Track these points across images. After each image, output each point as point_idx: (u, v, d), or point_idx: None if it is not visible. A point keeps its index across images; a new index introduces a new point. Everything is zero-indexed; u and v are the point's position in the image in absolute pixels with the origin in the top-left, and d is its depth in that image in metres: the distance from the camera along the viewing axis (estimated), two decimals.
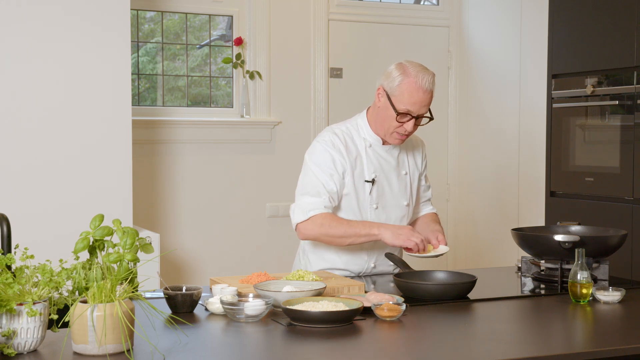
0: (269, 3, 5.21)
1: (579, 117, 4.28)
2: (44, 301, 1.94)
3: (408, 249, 2.89)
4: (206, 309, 2.40)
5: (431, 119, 2.99)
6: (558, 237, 2.75)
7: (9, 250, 2.61)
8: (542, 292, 2.76)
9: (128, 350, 1.93)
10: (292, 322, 2.24)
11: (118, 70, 4.16)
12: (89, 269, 2.00)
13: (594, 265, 2.85)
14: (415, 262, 3.29)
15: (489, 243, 5.51)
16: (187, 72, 5.22)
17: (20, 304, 1.91)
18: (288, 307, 2.24)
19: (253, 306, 2.26)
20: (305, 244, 3.14)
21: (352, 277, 2.99)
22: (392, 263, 3.04)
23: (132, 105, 4.73)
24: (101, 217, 2.05)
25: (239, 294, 2.46)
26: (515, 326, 2.41)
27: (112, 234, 2.03)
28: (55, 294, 2.01)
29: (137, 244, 2.04)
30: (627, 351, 2.07)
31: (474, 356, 2.03)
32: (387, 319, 2.29)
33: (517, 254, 3.94)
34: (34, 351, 1.94)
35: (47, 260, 2.03)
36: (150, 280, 2.46)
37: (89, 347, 1.90)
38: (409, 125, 2.93)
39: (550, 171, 4.44)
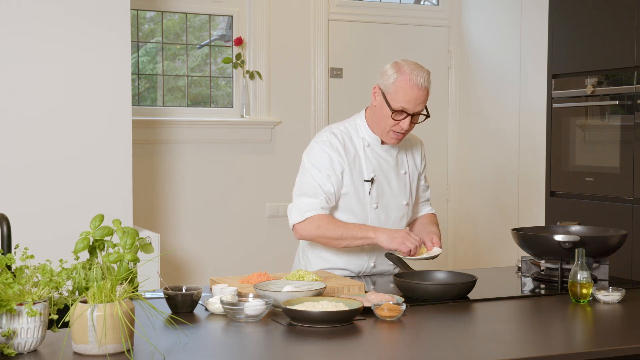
0: (269, 3, 5.21)
1: (579, 117, 4.28)
2: (44, 301, 1.94)
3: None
4: (206, 309, 2.40)
5: (427, 116, 2.99)
6: (558, 237, 2.75)
7: (9, 250, 2.61)
8: (542, 292, 2.76)
9: (128, 350, 1.93)
10: (292, 322, 2.24)
11: (118, 70, 4.16)
12: (89, 269, 2.00)
13: (594, 265, 2.85)
14: (415, 263, 3.29)
15: (489, 243, 5.51)
16: (187, 72, 5.22)
17: (20, 304, 1.91)
18: (288, 307, 2.24)
19: (253, 306, 2.26)
20: (304, 244, 3.15)
21: (352, 277, 2.99)
22: (392, 263, 3.04)
23: (132, 105, 4.73)
24: (101, 217, 2.05)
25: (239, 294, 2.46)
26: (515, 326, 2.41)
27: (112, 234, 2.03)
28: (55, 294, 2.01)
29: (137, 244, 2.04)
30: (627, 351, 2.07)
31: (474, 356, 2.03)
32: (387, 319, 2.29)
33: (517, 254, 3.94)
34: (34, 351, 1.94)
35: (47, 260, 2.03)
36: (150, 280, 2.46)
37: (89, 347, 1.90)
38: (405, 123, 2.93)
39: (550, 171, 4.44)
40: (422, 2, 5.91)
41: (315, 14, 5.36)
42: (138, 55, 5.10)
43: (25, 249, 2.02)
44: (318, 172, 2.96)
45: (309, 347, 2.07)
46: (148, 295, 2.51)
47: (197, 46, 5.27)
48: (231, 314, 2.29)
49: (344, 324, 2.23)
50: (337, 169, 2.97)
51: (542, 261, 2.88)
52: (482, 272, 2.93)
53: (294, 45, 5.31)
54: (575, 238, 2.74)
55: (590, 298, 2.57)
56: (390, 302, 2.32)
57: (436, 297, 2.55)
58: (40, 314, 1.91)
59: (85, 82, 4.11)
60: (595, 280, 2.82)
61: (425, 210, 3.30)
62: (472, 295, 2.62)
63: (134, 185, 4.55)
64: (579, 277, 2.55)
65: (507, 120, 5.32)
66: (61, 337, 2.04)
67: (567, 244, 2.73)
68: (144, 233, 4.29)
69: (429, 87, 2.93)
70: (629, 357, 2.07)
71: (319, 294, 2.41)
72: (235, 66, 5.20)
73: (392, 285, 2.85)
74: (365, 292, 2.61)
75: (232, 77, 5.27)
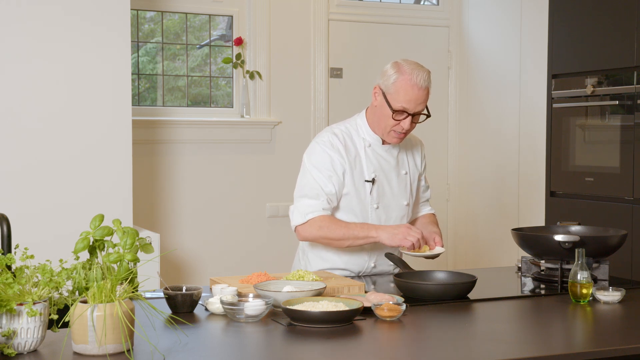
0: (269, 3, 5.21)
1: (579, 117, 4.28)
2: (44, 301, 1.94)
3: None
4: (206, 309, 2.40)
5: (428, 116, 2.99)
6: (558, 237, 2.75)
7: (9, 250, 2.61)
8: (542, 292, 2.76)
9: (128, 350, 1.93)
10: (292, 322, 2.24)
11: (118, 70, 4.16)
12: (89, 269, 2.00)
13: (594, 265, 2.85)
14: (415, 263, 3.30)
15: (489, 243, 5.51)
16: (187, 72, 5.22)
17: (20, 304, 1.91)
18: (288, 307, 2.24)
19: (253, 306, 2.26)
20: (304, 244, 3.14)
21: (352, 277, 2.99)
22: (392, 263, 3.04)
23: (132, 105, 4.73)
24: (101, 217, 2.05)
25: (239, 294, 2.46)
26: (515, 326, 2.40)
27: (112, 234, 2.03)
28: (55, 294, 2.01)
29: (137, 244, 2.04)
30: (627, 351, 2.07)
31: (474, 356, 2.03)
32: (387, 319, 2.29)
33: (517, 254, 3.94)
34: (34, 351, 1.94)
35: (47, 260, 2.03)
36: (150, 280, 2.46)
37: (89, 347, 1.90)
38: (406, 123, 2.93)
39: (550, 171, 4.44)
40: (422, 2, 5.91)
41: (315, 14, 5.36)
42: (138, 55, 5.10)
43: (25, 249, 2.02)
44: (319, 173, 2.96)
45: (309, 347, 2.07)
46: (148, 295, 2.51)
47: (197, 46, 5.27)
48: (231, 314, 2.29)
49: (344, 324, 2.23)
50: (338, 169, 2.97)
51: (542, 261, 2.88)
52: (482, 272, 2.93)
53: (294, 45, 5.31)
54: (575, 238, 2.74)
55: (590, 298, 2.57)
56: (390, 302, 2.32)
57: (436, 297, 2.55)
58: (40, 314, 1.91)
59: (85, 82, 4.11)
60: (595, 280, 2.82)
61: (425, 210, 3.30)
62: (472, 295, 2.62)
63: (134, 185, 4.55)
64: (579, 277, 2.55)
65: (507, 120, 5.32)
66: (61, 337, 2.04)
67: (567, 244, 2.73)
68: (144, 233, 4.29)
69: (430, 86, 2.93)
70: (629, 357, 2.07)
71: (319, 294, 2.41)
72: (235, 66, 5.20)
73: (392, 285, 2.85)
74: (365, 292, 2.60)
75: (232, 77, 5.27)
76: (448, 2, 5.78)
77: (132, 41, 4.47)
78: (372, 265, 3.09)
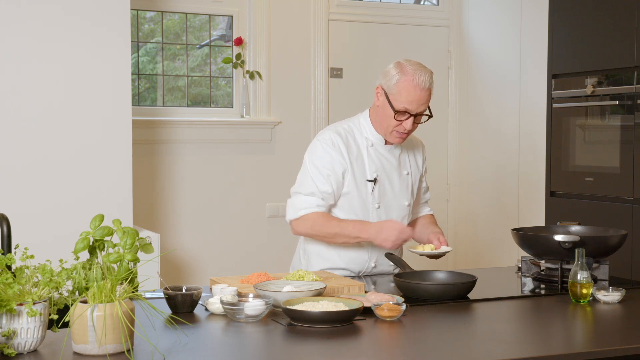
0: (269, 3, 5.21)
1: (579, 117, 4.28)
2: (44, 301, 1.94)
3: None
4: (206, 309, 2.40)
5: (430, 116, 2.99)
6: (558, 237, 2.75)
7: (9, 250, 2.61)
8: (542, 292, 2.76)
9: (128, 350, 1.93)
10: (292, 322, 2.24)
11: (118, 70, 4.16)
12: (89, 269, 2.00)
13: (594, 265, 2.85)
14: (415, 263, 3.30)
15: (489, 243, 5.51)
16: (187, 72, 5.22)
17: (20, 304, 1.91)
18: (288, 307, 2.24)
19: (253, 306, 2.26)
20: (305, 244, 3.15)
21: (352, 277, 2.99)
22: (392, 263, 3.04)
23: (132, 105, 4.73)
24: (101, 217, 2.05)
25: (239, 294, 2.46)
26: (515, 326, 2.40)
27: (112, 234, 2.03)
28: (55, 294, 2.01)
29: (137, 244, 2.04)
30: (627, 351, 2.07)
31: (474, 356, 2.03)
32: (387, 319, 2.29)
33: (517, 254, 3.94)
34: (34, 351, 1.94)
35: (47, 260, 2.03)
36: (150, 280, 2.46)
37: (89, 347, 1.90)
38: (408, 123, 2.93)
39: (550, 171, 4.44)
40: (422, 2, 5.91)
41: (315, 14, 5.36)
42: (138, 55, 5.10)
43: (25, 249, 2.02)
44: (317, 172, 2.96)
45: (309, 347, 2.07)
46: (148, 295, 2.51)
47: (197, 46, 5.27)
48: (231, 314, 2.29)
49: (344, 324, 2.22)
50: (338, 168, 2.97)
51: (542, 261, 2.88)
52: (482, 272, 2.93)
53: (294, 45, 5.31)
54: (575, 238, 2.74)
55: (590, 298, 2.57)
56: (390, 302, 2.32)
57: (436, 297, 2.55)
58: (40, 314, 1.91)
59: (85, 82, 4.11)
60: (595, 280, 2.82)
61: (424, 211, 3.31)
62: (472, 295, 2.62)
63: (134, 185, 4.55)
64: (579, 277, 2.55)
65: (507, 120, 5.32)
66: (61, 337, 2.04)
67: (567, 244, 2.73)
68: (144, 233, 4.29)
69: (432, 87, 2.93)
70: (629, 357, 2.07)
71: (319, 294, 2.41)
72: (235, 66, 5.20)
73: (392, 285, 2.85)
74: (365, 292, 2.60)
75: (232, 77, 5.27)
76: (448, 2, 5.78)
77: (132, 41, 4.47)
78: (373, 265, 3.09)
